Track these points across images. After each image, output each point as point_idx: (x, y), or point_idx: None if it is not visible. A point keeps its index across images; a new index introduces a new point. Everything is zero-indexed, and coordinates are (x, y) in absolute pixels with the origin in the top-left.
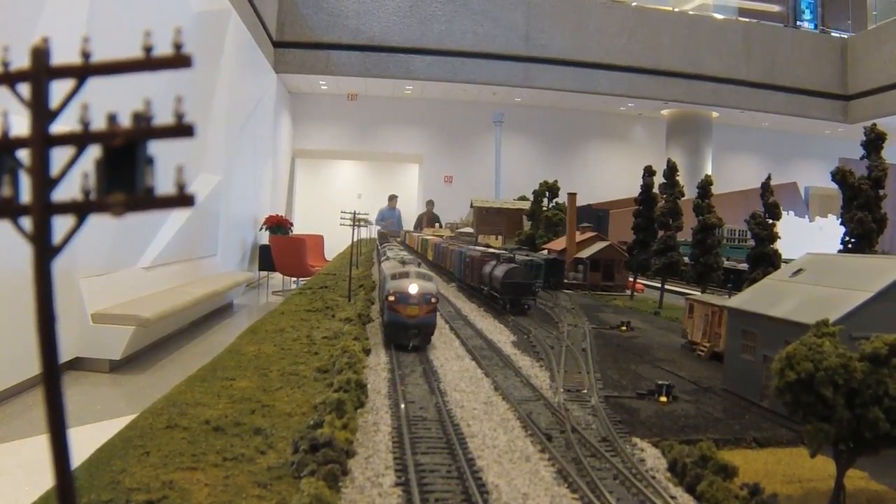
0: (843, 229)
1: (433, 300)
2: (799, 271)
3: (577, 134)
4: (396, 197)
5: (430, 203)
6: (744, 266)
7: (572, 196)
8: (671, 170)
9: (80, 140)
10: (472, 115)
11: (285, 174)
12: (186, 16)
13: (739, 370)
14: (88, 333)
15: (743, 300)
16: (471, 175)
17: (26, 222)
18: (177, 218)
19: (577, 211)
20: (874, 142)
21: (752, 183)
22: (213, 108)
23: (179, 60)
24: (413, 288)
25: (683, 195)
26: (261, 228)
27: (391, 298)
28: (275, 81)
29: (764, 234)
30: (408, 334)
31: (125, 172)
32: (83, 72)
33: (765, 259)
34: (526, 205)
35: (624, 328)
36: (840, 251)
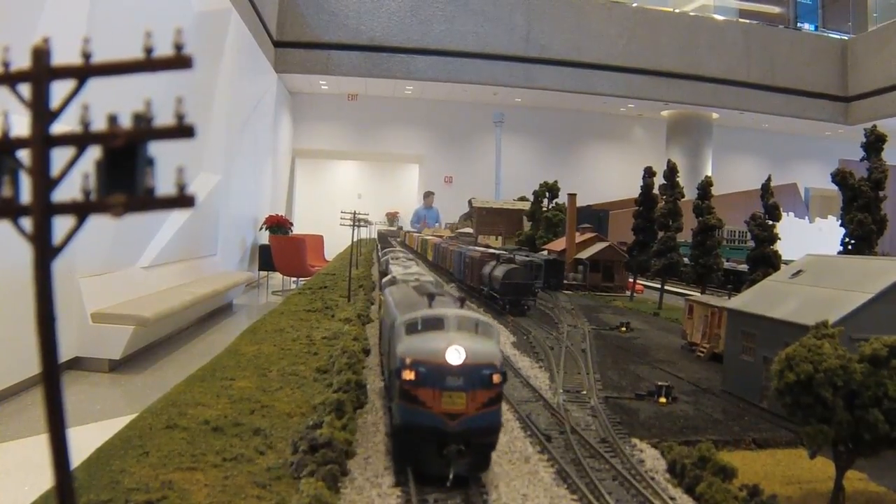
0: (843, 231)
1: (496, 378)
2: (799, 273)
3: (578, 135)
4: (433, 194)
5: (472, 201)
6: (744, 267)
7: (572, 197)
8: (671, 171)
9: (81, 141)
10: (473, 115)
11: (285, 174)
12: (187, 15)
13: (739, 371)
14: (88, 333)
15: (743, 301)
16: (471, 175)
17: (26, 222)
18: (176, 218)
19: (576, 211)
20: (874, 143)
21: (752, 184)
22: (213, 107)
23: (180, 61)
24: (455, 354)
25: (683, 196)
26: (261, 228)
27: (408, 376)
28: (275, 81)
29: (764, 235)
30: (445, 453)
31: (125, 173)
32: (84, 72)
33: (765, 260)
34: (526, 205)
35: (623, 329)
36: (840, 253)
